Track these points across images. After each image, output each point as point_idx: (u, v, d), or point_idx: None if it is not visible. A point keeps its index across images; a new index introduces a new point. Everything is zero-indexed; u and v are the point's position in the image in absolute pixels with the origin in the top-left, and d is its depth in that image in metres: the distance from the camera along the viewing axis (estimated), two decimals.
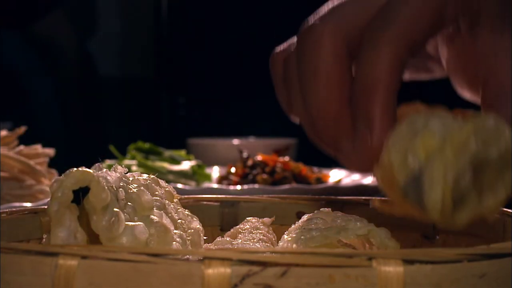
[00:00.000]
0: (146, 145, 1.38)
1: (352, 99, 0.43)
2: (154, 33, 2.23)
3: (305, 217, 0.47)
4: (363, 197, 0.55)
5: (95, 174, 0.38)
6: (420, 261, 0.31)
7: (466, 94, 0.49)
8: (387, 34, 0.42)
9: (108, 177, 0.41)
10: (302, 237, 0.39)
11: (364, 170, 0.43)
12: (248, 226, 0.50)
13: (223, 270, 0.30)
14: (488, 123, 0.36)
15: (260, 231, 0.49)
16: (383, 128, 0.41)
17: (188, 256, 0.31)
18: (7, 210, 0.50)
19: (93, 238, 0.39)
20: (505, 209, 0.47)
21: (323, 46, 0.44)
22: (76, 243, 0.37)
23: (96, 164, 0.41)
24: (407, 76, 0.53)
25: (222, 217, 0.55)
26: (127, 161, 1.32)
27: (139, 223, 0.39)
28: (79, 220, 0.39)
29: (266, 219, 0.52)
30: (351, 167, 0.45)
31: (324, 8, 0.46)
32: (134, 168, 1.29)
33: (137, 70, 2.24)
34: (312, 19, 0.46)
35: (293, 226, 0.46)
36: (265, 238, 0.47)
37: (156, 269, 0.31)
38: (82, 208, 0.39)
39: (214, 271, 0.30)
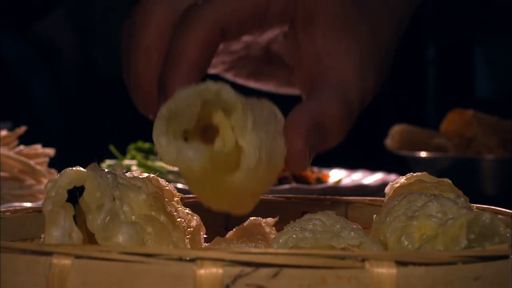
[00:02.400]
0: (146, 145, 1.38)
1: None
2: None
3: (306, 216, 0.47)
4: (368, 198, 0.55)
5: (89, 173, 0.38)
6: (413, 263, 0.31)
7: (303, 91, 0.48)
8: (199, 13, 0.44)
9: (104, 176, 0.40)
10: (294, 235, 0.39)
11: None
12: (251, 226, 0.50)
13: (215, 271, 0.30)
14: (483, 219, 0.36)
15: (261, 232, 0.49)
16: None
17: (181, 256, 0.31)
18: (11, 208, 0.50)
19: (92, 237, 0.39)
20: (505, 210, 0.47)
21: (149, 20, 0.47)
22: (71, 242, 0.37)
23: (92, 164, 0.41)
24: (273, 88, 0.55)
25: (227, 217, 0.55)
26: (127, 161, 1.32)
27: (136, 222, 0.39)
28: (77, 219, 0.39)
29: (270, 219, 0.52)
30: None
31: None
32: (134, 168, 1.29)
33: None
34: None
35: (291, 222, 0.46)
36: (265, 238, 0.47)
37: (149, 269, 0.31)
38: (80, 208, 0.39)
39: (206, 271, 0.30)
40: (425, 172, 0.50)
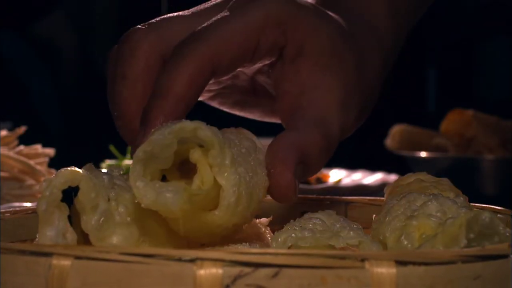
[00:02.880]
0: None
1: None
2: None
3: (306, 215, 0.47)
4: (368, 198, 0.55)
5: (84, 174, 0.38)
6: (413, 263, 0.31)
7: (283, 121, 0.48)
8: (191, 48, 0.44)
9: (100, 177, 0.40)
10: (293, 234, 0.40)
11: None
12: None
13: (215, 271, 0.30)
14: (482, 218, 0.36)
15: (255, 232, 0.49)
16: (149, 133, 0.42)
17: (180, 256, 0.31)
18: (10, 209, 0.50)
19: (87, 238, 0.39)
20: (505, 209, 0.47)
21: (137, 51, 0.46)
22: (65, 242, 0.37)
23: (88, 164, 0.41)
24: (258, 116, 0.55)
25: None
26: (127, 161, 1.32)
27: (130, 223, 0.39)
28: (73, 219, 0.39)
29: (263, 219, 0.52)
30: None
31: (153, 19, 0.48)
32: None
33: None
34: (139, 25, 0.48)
35: (291, 221, 0.46)
36: (259, 239, 0.47)
37: (148, 269, 0.31)
38: (76, 208, 0.39)
39: (206, 271, 0.30)
40: (424, 172, 0.50)
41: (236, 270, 0.30)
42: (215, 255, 0.30)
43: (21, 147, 1.00)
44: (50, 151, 1.02)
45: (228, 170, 0.38)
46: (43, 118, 1.97)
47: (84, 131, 2.04)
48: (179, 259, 0.31)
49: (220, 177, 0.38)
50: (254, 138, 0.46)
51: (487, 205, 0.48)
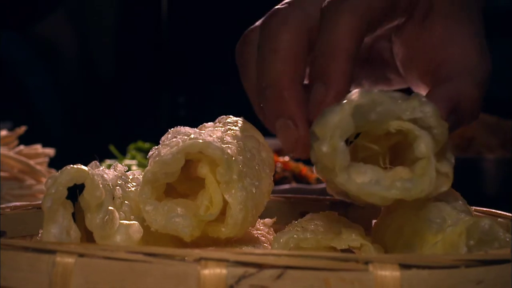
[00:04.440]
0: (146, 145, 1.38)
1: (311, 63, 0.46)
2: (154, 33, 2.23)
3: (307, 216, 0.47)
4: None
5: (90, 171, 0.38)
6: (417, 266, 0.31)
7: (419, 87, 0.50)
8: (346, 5, 0.44)
9: (105, 175, 0.40)
10: (295, 236, 0.40)
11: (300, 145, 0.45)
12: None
13: (219, 271, 0.30)
14: (482, 225, 0.36)
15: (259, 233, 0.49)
16: (338, 88, 0.43)
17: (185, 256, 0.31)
18: (11, 205, 0.50)
19: (91, 236, 0.39)
20: (506, 213, 0.47)
21: (285, 27, 0.47)
22: (69, 240, 0.37)
23: (93, 162, 0.41)
24: (368, 85, 0.56)
25: None
26: (127, 161, 1.32)
27: (134, 222, 0.39)
28: (77, 217, 0.39)
29: (268, 220, 0.52)
30: (287, 145, 0.46)
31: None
32: (134, 168, 1.29)
33: (137, 70, 2.24)
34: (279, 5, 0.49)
35: (293, 222, 0.46)
36: (264, 239, 0.47)
37: (152, 268, 0.31)
38: (80, 205, 0.39)
39: (210, 271, 0.30)
40: None
41: (240, 270, 0.30)
42: (219, 255, 0.30)
43: (21, 147, 1.00)
44: (50, 151, 1.02)
45: (235, 186, 0.39)
46: (43, 118, 1.97)
47: (84, 131, 2.04)
48: (183, 259, 0.31)
49: (228, 194, 0.39)
50: (255, 132, 0.46)
51: (487, 209, 0.48)
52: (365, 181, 0.37)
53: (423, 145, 0.38)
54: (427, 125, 0.38)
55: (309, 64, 0.47)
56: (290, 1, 0.49)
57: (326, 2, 0.46)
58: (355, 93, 0.38)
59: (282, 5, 0.48)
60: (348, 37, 0.44)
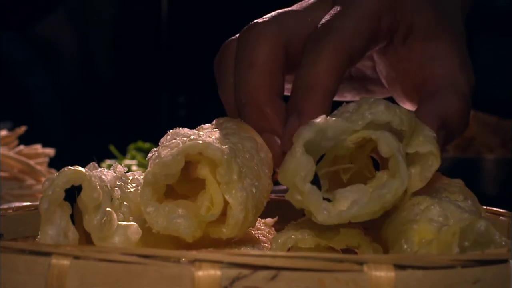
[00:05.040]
0: (146, 145, 1.38)
1: (290, 96, 0.47)
2: (154, 33, 2.23)
3: (307, 216, 0.47)
4: None
5: (87, 173, 0.38)
6: (412, 267, 0.31)
7: (405, 103, 0.51)
8: (328, 40, 0.45)
9: (103, 176, 0.40)
10: (293, 236, 0.40)
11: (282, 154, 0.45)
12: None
13: (213, 273, 0.30)
14: (477, 226, 0.36)
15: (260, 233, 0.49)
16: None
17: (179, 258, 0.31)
18: (13, 206, 0.50)
19: (89, 237, 0.39)
20: (506, 211, 0.47)
21: (262, 40, 0.48)
22: (66, 241, 0.37)
23: (91, 163, 0.41)
24: (350, 98, 0.57)
25: None
26: (127, 161, 1.32)
27: (132, 223, 0.39)
28: (75, 218, 0.39)
29: (269, 220, 0.52)
30: (276, 157, 0.46)
31: (269, 14, 0.50)
32: (134, 168, 1.29)
33: (137, 70, 2.24)
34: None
35: (292, 222, 0.46)
36: (264, 239, 0.47)
37: (147, 270, 0.31)
38: (78, 207, 0.39)
39: (205, 273, 0.30)
40: (438, 172, 0.49)
41: (234, 272, 0.30)
42: (213, 257, 0.30)
43: (21, 147, 1.00)
44: (50, 151, 1.02)
45: (236, 187, 0.39)
46: (43, 118, 1.97)
47: (84, 131, 2.04)
48: (178, 261, 0.31)
49: (228, 194, 0.39)
50: (253, 133, 0.46)
51: (489, 207, 0.48)
52: (344, 208, 0.38)
53: (384, 145, 0.38)
54: (383, 122, 0.38)
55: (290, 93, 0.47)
56: (268, 15, 0.49)
57: (309, 36, 0.47)
58: (301, 129, 0.38)
59: (260, 19, 0.49)
60: (329, 74, 0.45)
